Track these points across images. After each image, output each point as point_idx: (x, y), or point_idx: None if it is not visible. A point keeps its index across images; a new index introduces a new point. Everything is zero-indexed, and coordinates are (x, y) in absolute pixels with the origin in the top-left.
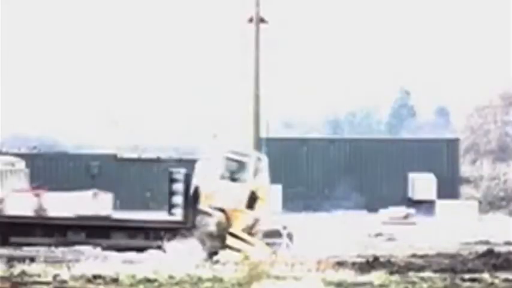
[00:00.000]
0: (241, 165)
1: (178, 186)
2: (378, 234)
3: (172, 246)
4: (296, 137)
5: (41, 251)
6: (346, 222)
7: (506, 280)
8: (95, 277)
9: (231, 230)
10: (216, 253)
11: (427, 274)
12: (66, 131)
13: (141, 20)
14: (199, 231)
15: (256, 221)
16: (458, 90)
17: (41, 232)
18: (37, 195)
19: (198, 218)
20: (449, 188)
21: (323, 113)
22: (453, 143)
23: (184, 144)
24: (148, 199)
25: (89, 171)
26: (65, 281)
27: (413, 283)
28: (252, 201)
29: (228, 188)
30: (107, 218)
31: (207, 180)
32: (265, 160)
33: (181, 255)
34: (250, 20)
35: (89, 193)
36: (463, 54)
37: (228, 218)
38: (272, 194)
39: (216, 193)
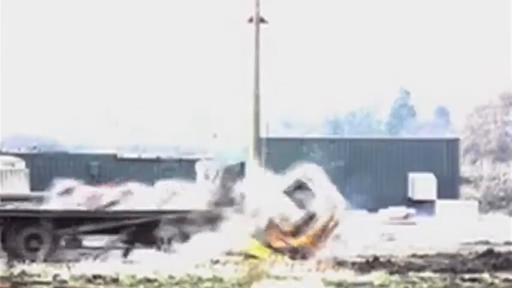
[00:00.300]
0: (310, 194)
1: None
2: (378, 234)
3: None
4: (296, 137)
5: (42, 250)
6: (346, 222)
7: (506, 280)
8: (95, 277)
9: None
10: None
11: (427, 274)
12: (66, 131)
13: (141, 20)
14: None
15: (295, 252)
16: (458, 90)
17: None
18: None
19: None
20: (449, 188)
21: (323, 113)
22: (453, 143)
23: (184, 144)
24: None
25: (89, 171)
26: (65, 281)
27: (413, 283)
28: (297, 230)
29: (284, 205)
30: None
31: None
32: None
33: (181, 255)
34: (250, 20)
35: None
36: (463, 54)
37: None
38: None
39: (270, 206)
